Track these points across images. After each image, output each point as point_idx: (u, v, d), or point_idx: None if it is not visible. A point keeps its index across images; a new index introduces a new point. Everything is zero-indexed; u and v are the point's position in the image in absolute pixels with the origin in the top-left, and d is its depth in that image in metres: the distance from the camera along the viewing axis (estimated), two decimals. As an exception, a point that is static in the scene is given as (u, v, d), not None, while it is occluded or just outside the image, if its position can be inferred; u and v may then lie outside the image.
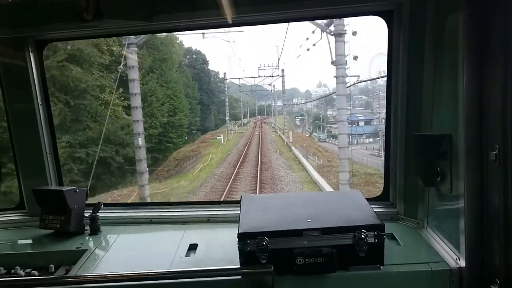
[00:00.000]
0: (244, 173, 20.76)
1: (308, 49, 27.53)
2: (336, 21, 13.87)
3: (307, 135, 49.19)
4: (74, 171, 22.75)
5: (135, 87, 16.02)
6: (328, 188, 16.35)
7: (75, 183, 20.75)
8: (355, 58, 17.88)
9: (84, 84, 25.98)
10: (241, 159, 25.83)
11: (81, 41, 24.57)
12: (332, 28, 14.40)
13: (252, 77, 53.23)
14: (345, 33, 14.43)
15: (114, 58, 28.84)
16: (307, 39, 25.68)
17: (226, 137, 44.49)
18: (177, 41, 41.12)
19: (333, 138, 42.66)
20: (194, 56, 55.04)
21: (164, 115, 34.20)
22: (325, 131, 55.31)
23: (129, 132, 24.97)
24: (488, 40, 1.72)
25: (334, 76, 14.77)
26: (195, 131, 45.24)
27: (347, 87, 16.18)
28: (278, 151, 30.38)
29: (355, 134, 42.14)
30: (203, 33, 21.69)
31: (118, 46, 27.76)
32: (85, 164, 23.86)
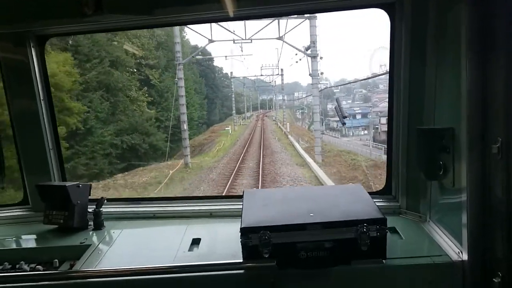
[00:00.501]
0: (250, 152, 27.30)
1: (296, 62, 37.56)
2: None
3: (306, 127, 51.08)
4: (112, 154, 28.33)
5: (181, 91, 24.67)
6: (308, 158, 22.55)
7: (112, 164, 27.39)
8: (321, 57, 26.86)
9: (120, 84, 31.05)
10: (247, 144, 31.84)
11: (117, 47, 29.82)
12: (309, 52, 22.59)
13: (255, 76, 60.60)
14: (317, 55, 22.66)
15: (138, 60, 34.79)
16: (296, 54, 33.16)
17: (233, 128, 48.92)
18: (184, 39, 44.41)
19: (331, 131, 44.43)
20: (200, 54, 56.07)
21: (177, 109, 36.89)
22: (323, 124, 55.43)
23: (153, 124, 32.70)
24: (491, 32, 1.70)
25: (311, 83, 23.81)
26: (201, 124, 48.83)
27: (320, 90, 25.18)
28: (276, 138, 36.74)
29: (351, 127, 44.71)
30: (210, 39, 24.29)
31: (141, 50, 34.00)
32: (120, 149, 29.25)
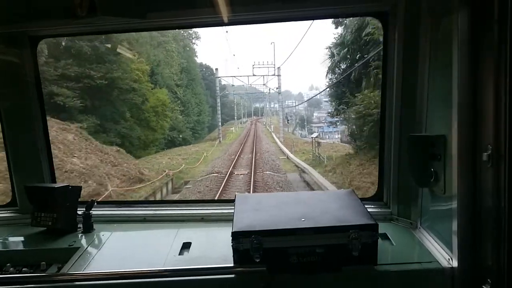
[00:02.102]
0: (248, 141, 43.91)
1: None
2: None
3: (290, 131, 67.26)
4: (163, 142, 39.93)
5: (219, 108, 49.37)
6: (278, 141, 40.57)
7: (163, 149, 37.49)
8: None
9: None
10: (246, 136, 52.06)
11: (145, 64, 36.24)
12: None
13: (247, 76, 67.13)
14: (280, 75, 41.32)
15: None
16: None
17: (235, 129, 69.62)
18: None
19: (309, 134, 55.82)
20: (204, 70, 73.87)
21: (195, 115, 55.14)
22: (306, 129, 75.54)
23: (184, 125, 47.34)
24: (482, 41, 1.73)
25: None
26: (207, 127, 64.70)
27: (307, 100, 44.52)
28: (264, 134, 57.45)
29: (327, 132, 61.59)
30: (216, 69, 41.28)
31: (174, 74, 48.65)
32: (166, 140, 40.80)
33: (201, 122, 58.61)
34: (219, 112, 47.90)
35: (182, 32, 55.88)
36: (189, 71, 55.24)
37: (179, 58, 51.04)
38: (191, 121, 51.82)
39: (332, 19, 22.66)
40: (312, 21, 16.29)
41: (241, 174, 21.29)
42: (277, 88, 47.29)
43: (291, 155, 28.68)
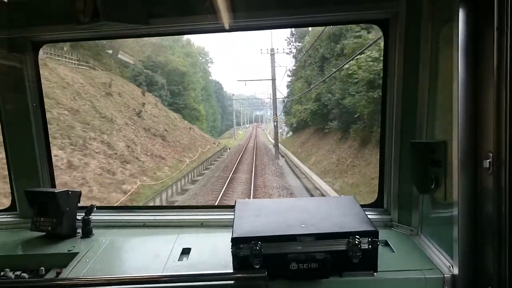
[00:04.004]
0: (250, 140, 61.43)
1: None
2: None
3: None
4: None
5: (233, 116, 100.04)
6: (271, 138, 57.04)
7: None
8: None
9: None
10: (250, 137, 72.77)
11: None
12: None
13: (246, 81, 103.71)
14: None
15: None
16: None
17: (241, 132, 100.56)
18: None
19: None
20: (214, 84, 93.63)
21: (211, 122, 74.77)
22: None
23: (206, 128, 61.81)
24: (482, 49, 1.73)
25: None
26: (218, 131, 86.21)
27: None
28: (262, 136, 78.47)
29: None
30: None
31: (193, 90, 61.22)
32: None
33: (216, 127, 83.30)
34: (234, 120, 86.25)
35: (201, 58, 74.36)
36: (206, 89, 75.15)
37: (202, 80, 68.72)
38: (209, 126, 71.33)
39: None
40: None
41: (250, 145, 49.37)
42: (269, 99, 59.63)
43: (272, 142, 46.32)
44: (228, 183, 20.48)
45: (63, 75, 21.95)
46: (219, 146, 43.82)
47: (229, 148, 46.87)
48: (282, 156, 33.81)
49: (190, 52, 64.06)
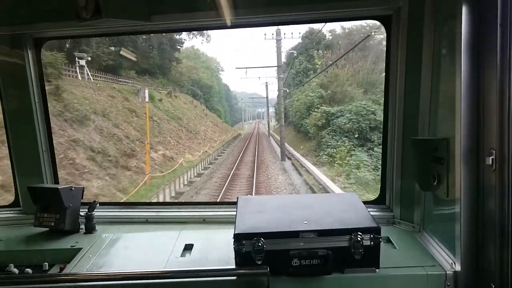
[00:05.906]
0: (254, 131, 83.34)
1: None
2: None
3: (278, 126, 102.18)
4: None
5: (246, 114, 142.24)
6: (272, 136, 66.84)
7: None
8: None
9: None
10: (254, 129, 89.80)
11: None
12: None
13: (246, 68, 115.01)
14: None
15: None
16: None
17: (247, 126, 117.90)
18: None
19: None
20: (223, 86, 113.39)
21: (223, 119, 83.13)
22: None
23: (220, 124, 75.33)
24: (485, 45, 1.73)
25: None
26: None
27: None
28: (263, 130, 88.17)
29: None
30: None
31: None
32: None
33: (228, 122, 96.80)
34: (243, 117, 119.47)
35: (214, 66, 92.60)
36: (219, 92, 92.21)
37: (217, 86, 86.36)
38: (225, 122, 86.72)
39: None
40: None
41: (254, 132, 76.95)
42: (266, 98, 71.59)
43: (271, 132, 65.30)
44: (245, 146, 43.09)
45: (181, 103, 45.58)
46: (236, 132, 73.93)
47: (242, 135, 72.28)
48: (271, 136, 61.08)
49: (208, 65, 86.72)
